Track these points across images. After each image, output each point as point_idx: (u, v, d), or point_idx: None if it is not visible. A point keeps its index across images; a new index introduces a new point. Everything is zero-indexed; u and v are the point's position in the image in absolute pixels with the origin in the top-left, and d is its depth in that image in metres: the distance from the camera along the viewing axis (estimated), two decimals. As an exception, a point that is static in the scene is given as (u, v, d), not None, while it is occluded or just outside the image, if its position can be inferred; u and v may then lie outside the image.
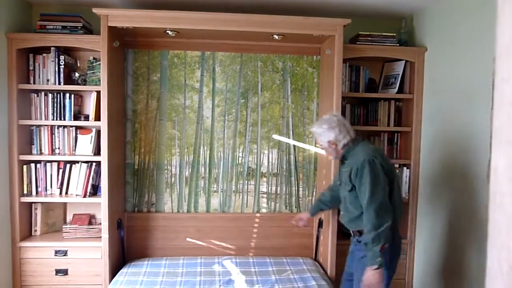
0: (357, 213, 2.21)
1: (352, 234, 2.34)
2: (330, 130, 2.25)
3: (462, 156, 2.59)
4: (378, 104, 3.21)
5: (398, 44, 3.10)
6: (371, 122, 3.23)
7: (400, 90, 3.18)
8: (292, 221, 2.91)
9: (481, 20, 2.41)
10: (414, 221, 3.15)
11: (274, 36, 2.91)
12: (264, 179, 3.29)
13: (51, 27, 2.85)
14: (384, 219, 2.04)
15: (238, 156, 3.26)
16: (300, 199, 3.30)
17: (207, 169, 3.24)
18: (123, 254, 3.07)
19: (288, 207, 3.30)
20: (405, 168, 3.19)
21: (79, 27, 2.85)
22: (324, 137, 2.27)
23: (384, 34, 3.07)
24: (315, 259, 3.18)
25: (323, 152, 2.60)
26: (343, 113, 3.09)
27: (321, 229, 3.09)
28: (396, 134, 3.27)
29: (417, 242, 3.15)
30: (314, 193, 3.29)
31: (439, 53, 2.90)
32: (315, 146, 3.26)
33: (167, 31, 2.85)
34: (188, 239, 3.18)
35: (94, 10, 2.63)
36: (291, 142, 3.28)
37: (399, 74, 3.16)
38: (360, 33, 3.05)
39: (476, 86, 2.43)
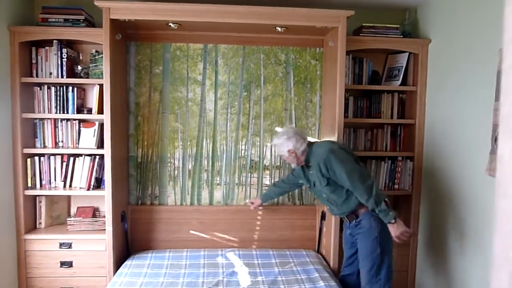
0: (344, 198, 2.44)
1: (348, 220, 2.50)
2: (288, 140, 2.49)
3: (464, 149, 2.58)
4: (381, 96, 3.20)
5: (401, 36, 3.08)
6: (374, 114, 3.22)
7: (404, 82, 3.16)
8: (248, 201, 3.21)
9: (485, 12, 2.38)
10: (416, 214, 3.15)
11: (277, 28, 2.90)
12: (267, 171, 3.29)
13: (53, 20, 2.84)
14: (369, 181, 2.29)
15: (241, 149, 3.26)
16: (303, 191, 3.30)
17: (210, 162, 3.25)
18: (127, 247, 3.09)
19: (291, 200, 3.30)
20: (408, 160, 3.18)
21: (81, 20, 2.85)
22: (283, 147, 2.50)
23: (387, 25, 3.05)
24: (318, 251, 3.19)
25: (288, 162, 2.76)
26: (346, 105, 3.08)
27: (324, 221, 3.10)
28: (399, 126, 3.26)
29: (420, 234, 3.15)
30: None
31: (443, 45, 2.88)
32: (318, 139, 3.25)
33: (169, 24, 2.83)
34: (191, 231, 3.19)
35: (96, 3, 2.62)
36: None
37: (402, 66, 3.14)
38: (363, 24, 3.03)
39: (480, 78, 2.41)
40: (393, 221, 2.26)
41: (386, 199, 2.27)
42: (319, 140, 2.60)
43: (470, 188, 2.53)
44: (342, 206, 2.47)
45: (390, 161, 3.19)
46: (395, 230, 2.28)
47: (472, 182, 2.51)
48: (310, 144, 2.53)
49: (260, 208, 3.20)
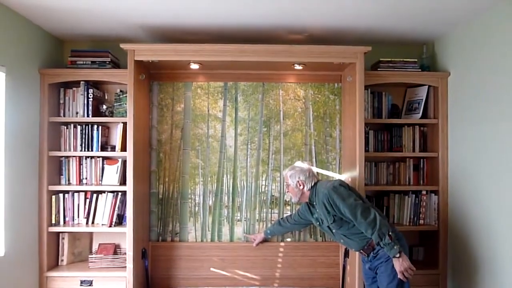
0: (354, 233, 2.44)
1: (366, 254, 2.47)
2: (301, 172, 2.57)
3: (491, 182, 2.50)
4: (402, 129, 3.17)
5: (420, 70, 3.09)
6: (396, 148, 3.19)
7: (424, 115, 3.14)
8: (249, 236, 3.17)
9: (504, 43, 2.38)
10: (444, 251, 3.03)
11: (295, 65, 2.96)
12: (288, 207, 3.25)
13: (81, 62, 2.98)
14: (371, 215, 2.29)
15: (261, 184, 3.25)
16: (325, 227, 3.23)
17: (231, 198, 3.24)
18: (148, 285, 3.05)
19: (313, 236, 3.23)
20: (433, 194, 3.10)
21: (107, 62, 2.98)
22: (294, 178, 2.57)
23: (405, 60, 3.07)
24: (342, 290, 3.08)
25: (289, 195, 2.83)
26: (366, 139, 3.06)
27: (348, 258, 3.01)
28: (422, 160, 3.20)
29: (449, 273, 3.01)
30: (339, 221, 3.22)
31: (463, 77, 2.87)
32: (339, 173, 3.22)
33: (191, 63, 2.93)
34: (212, 269, 3.15)
35: (122, 46, 2.75)
36: (315, 169, 3.25)
37: (422, 99, 3.13)
38: (381, 59, 3.06)
39: (504, 109, 2.37)
40: (397, 255, 2.23)
41: (390, 232, 2.26)
42: (321, 180, 2.67)
43: (499, 223, 2.43)
44: (355, 240, 2.46)
45: (414, 195, 3.12)
46: (399, 265, 2.24)
47: (502, 217, 2.41)
48: (315, 184, 2.58)
49: (281, 244, 3.14)
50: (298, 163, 2.69)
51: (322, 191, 2.45)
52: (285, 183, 2.74)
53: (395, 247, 2.23)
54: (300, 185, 2.55)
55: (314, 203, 2.55)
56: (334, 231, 2.53)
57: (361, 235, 2.41)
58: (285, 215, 3.16)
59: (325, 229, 2.61)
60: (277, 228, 3.07)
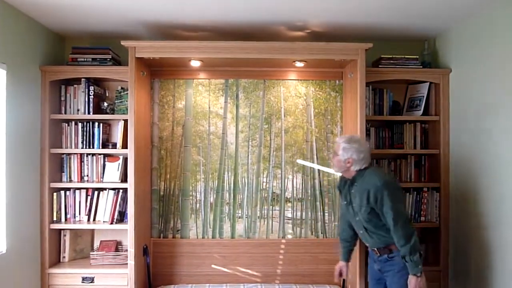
0: (380, 230, 2.31)
1: (379, 254, 2.37)
2: (356, 151, 2.31)
3: (493, 180, 2.50)
4: (403, 126, 3.17)
5: (421, 66, 3.08)
6: (397, 145, 3.18)
7: (426, 112, 3.13)
8: (336, 279, 2.69)
9: (505, 39, 2.37)
10: (446, 248, 3.03)
11: (296, 62, 2.95)
12: (289, 204, 3.26)
13: (82, 59, 2.98)
14: (411, 230, 2.20)
15: (263, 182, 3.26)
16: (326, 224, 3.24)
17: (232, 195, 3.24)
18: (149, 281, 3.06)
19: (314, 233, 3.24)
20: (434, 191, 3.10)
21: (108, 59, 2.98)
22: (346, 153, 2.33)
23: (406, 56, 3.06)
24: (343, 286, 3.08)
25: (331, 163, 2.58)
26: (368, 136, 3.06)
27: (349, 255, 3.01)
28: (423, 156, 3.20)
29: (450, 270, 3.01)
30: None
31: (465, 74, 2.86)
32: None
33: (192, 60, 2.93)
34: (213, 265, 3.15)
35: (123, 43, 2.74)
36: (316, 166, 3.26)
37: (423, 96, 3.12)
38: (382, 56, 3.05)
39: (505, 105, 2.37)
40: (419, 274, 2.19)
41: (421, 251, 2.21)
42: (375, 167, 2.53)
43: (501, 220, 2.43)
44: (373, 238, 2.35)
45: (415, 192, 3.12)
46: (416, 284, 2.19)
47: (503, 214, 2.41)
48: (365, 168, 2.37)
49: (283, 241, 3.15)
50: (357, 138, 2.44)
51: (374, 180, 2.27)
52: (333, 150, 2.49)
53: (419, 266, 2.18)
54: (348, 163, 2.33)
55: (355, 183, 2.36)
56: (358, 218, 2.37)
57: (383, 235, 2.31)
58: (340, 240, 2.65)
59: (350, 211, 2.43)
60: (348, 246, 2.63)
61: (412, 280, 2.20)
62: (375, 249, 2.39)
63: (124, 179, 3.04)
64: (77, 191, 3.07)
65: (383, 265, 2.37)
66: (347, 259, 2.63)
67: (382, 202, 2.22)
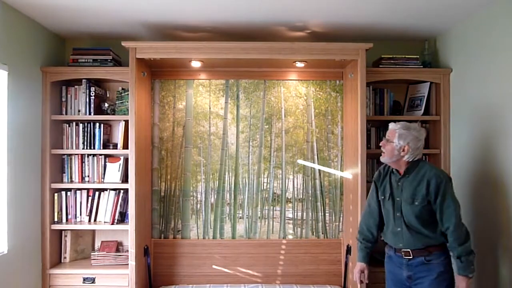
0: (427, 231, 2.14)
1: (412, 256, 2.15)
2: (415, 140, 2.17)
3: (493, 180, 2.49)
4: (404, 126, 3.16)
5: (422, 66, 3.08)
6: (398, 145, 3.18)
7: (426, 112, 3.13)
8: (359, 283, 2.45)
9: (505, 39, 2.37)
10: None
11: (296, 62, 2.95)
12: (290, 204, 3.26)
13: (83, 60, 2.99)
14: (464, 226, 2.11)
15: (263, 182, 3.26)
16: (327, 224, 3.24)
17: (232, 195, 3.24)
18: (150, 282, 3.06)
19: (314, 233, 3.24)
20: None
21: (109, 60, 2.98)
22: (403, 140, 2.16)
23: (407, 56, 3.06)
24: (344, 287, 3.08)
25: (382, 149, 2.26)
26: (368, 136, 3.05)
27: (350, 255, 3.01)
28: (424, 156, 3.19)
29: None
30: (341, 218, 3.22)
31: (465, 73, 2.86)
32: (340, 170, 3.22)
33: (192, 61, 2.94)
34: (214, 266, 3.15)
35: (123, 43, 2.75)
36: (316, 166, 3.25)
37: (424, 96, 3.12)
38: (382, 56, 3.05)
39: (506, 105, 2.37)
40: (471, 275, 2.06)
41: (474, 252, 2.11)
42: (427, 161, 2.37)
43: (502, 219, 2.42)
44: (414, 237, 2.14)
45: (416, 193, 3.11)
46: (468, 286, 2.07)
47: (504, 213, 2.40)
48: (418, 160, 2.22)
49: (283, 241, 3.16)
50: (415, 125, 2.24)
51: (435, 171, 2.15)
52: (385, 137, 2.27)
53: (472, 266, 2.06)
54: (403, 151, 2.15)
55: (406, 175, 2.19)
56: (399, 214, 2.18)
57: (426, 235, 2.13)
58: (361, 240, 2.42)
59: (388, 206, 2.24)
60: (370, 247, 2.41)
61: (463, 283, 2.07)
62: (409, 251, 2.16)
63: (125, 179, 3.04)
64: (78, 192, 3.08)
65: (416, 270, 2.15)
66: (368, 261, 2.40)
67: (444, 196, 2.09)
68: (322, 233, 3.24)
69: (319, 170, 3.25)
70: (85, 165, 3.09)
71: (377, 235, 2.39)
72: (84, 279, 2.89)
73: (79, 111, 3.04)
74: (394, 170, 2.28)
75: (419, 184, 2.14)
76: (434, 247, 2.14)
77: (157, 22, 2.86)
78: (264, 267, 3.16)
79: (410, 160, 2.18)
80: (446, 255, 2.15)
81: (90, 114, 3.02)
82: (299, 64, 2.99)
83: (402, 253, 2.19)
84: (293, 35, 3.12)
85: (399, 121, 3.11)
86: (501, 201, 2.43)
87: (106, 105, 3.10)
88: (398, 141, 2.16)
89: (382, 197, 2.30)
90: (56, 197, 3.00)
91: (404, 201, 2.18)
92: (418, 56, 3.09)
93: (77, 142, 3.05)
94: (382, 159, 2.27)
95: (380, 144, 2.28)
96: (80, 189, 3.08)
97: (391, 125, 2.25)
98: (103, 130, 3.07)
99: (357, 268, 2.40)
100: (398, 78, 3.04)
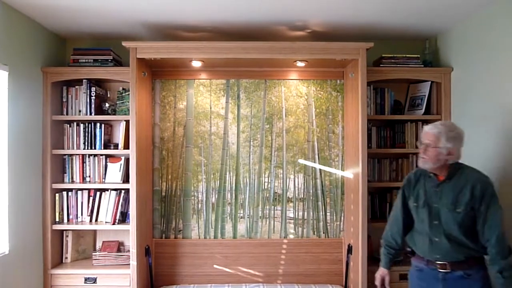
0: (469, 241, 1.95)
1: (450, 270, 1.97)
2: (461, 141, 2.00)
3: (495, 179, 2.49)
4: (404, 126, 3.16)
5: (422, 65, 3.08)
6: (398, 144, 3.18)
7: (427, 111, 3.13)
8: (379, 285, 2.28)
9: (507, 38, 2.37)
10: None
11: (297, 62, 2.95)
12: (291, 204, 3.26)
13: (84, 60, 2.99)
14: (506, 238, 1.92)
15: (264, 182, 3.26)
16: (328, 224, 3.24)
17: (233, 195, 3.24)
18: (151, 282, 3.07)
19: (316, 233, 3.24)
20: (436, 190, 3.08)
21: (110, 60, 2.98)
22: (452, 142, 1.97)
23: (407, 55, 3.06)
24: (345, 286, 3.08)
25: (422, 155, 2.05)
26: (369, 135, 3.05)
27: (351, 255, 3.01)
28: (425, 156, 3.19)
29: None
30: (342, 217, 3.22)
31: (466, 72, 2.86)
32: (341, 170, 3.22)
33: (193, 61, 2.93)
34: (215, 266, 3.16)
35: (124, 43, 2.75)
36: (317, 166, 3.25)
37: (425, 95, 3.12)
38: (383, 55, 3.05)
39: (507, 104, 2.36)
40: None
41: None
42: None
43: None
44: (459, 248, 1.96)
45: (417, 192, 3.11)
46: None
47: (504, 212, 2.40)
48: (459, 163, 2.05)
49: (284, 241, 3.16)
50: (455, 124, 2.05)
51: (478, 174, 1.99)
52: (425, 140, 2.03)
53: None
54: (449, 155, 1.96)
55: (447, 180, 2.01)
56: (438, 222, 2.00)
57: (468, 246, 1.96)
58: (385, 245, 2.29)
59: (423, 214, 2.05)
60: (393, 253, 2.26)
61: None
62: (446, 263, 1.98)
63: (126, 179, 3.04)
64: (79, 192, 3.08)
65: (453, 286, 1.98)
66: (390, 267, 2.26)
67: (489, 203, 1.91)
68: (323, 233, 3.24)
69: (320, 169, 3.25)
70: (86, 165, 3.09)
71: (401, 243, 2.22)
72: (86, 279, 2.90)
73: (79, 111, 3.04)
74: (430, 174, 2.07)
75: (462, 189, 1.96)
76: (475, 260, 1.96)
77: (157, 22, 2.86)
78: (265, 266, 3.17)
79: (455, 163, 2.01)
80: (485, 270, 1.96)
81: (91, 114, 3.02)
82: (300, 64, 2.99)
83: (437, 265, 2.00)
84: (294, 35, 3.12)
85: (399, 120, 3.16)
86: (502, 201, 2.43)
87: (107, 105, 3.10)
88: (445, 144, 1.96)
89: (415, 205, 2.11)
90: (57, 197, 3.00)
91: (444, 208, 1.99)
92: (418, 55, 3.09)
93: (78, 142, 3.05)
94: (424, 165, 2.04)
95: (420, 151, 2.06)
96: (81, 189, 3.08)
97: (429, 129, 2.03)
98: (104, 130, 3.07)
99: (378, 272, 2.27)
100: (399, 77, 3.04)
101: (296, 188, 3.26)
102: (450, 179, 2.01)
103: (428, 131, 2.02)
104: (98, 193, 3.07)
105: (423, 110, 3.10)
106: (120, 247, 3.14)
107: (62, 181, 3.08)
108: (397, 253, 2.27)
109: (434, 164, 2.00)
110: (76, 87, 3.04)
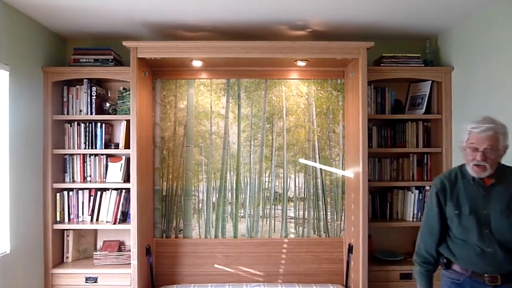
0: None
1: (498, 282, 1.77)
2: (508, 135, 1.80)
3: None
4: (405, 125, 3.16)
5: (423, 65, 3.07)
6: (399, 143, 3.18)
7: (428, 111, 3.12)
8: None
9: (508, 37, 2.36)
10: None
11: (297, 61, 2.95)
12: (291, 203, 3.26)
13: (84, 60, 2.99)
14: None
15: (265, 181, 3.26)
16: (328, 223, 3.24)
17: (234, 194, 3.25)
18: (152, 281, 3.07)
19: (316, 232, 3.24)
20: (436, 190, 3.08)
21: (110, 60, 2.98)
22: (506, 139, 1.78)
23: (408, 55, 3.05)
24: (346, 285, 3.08)
25: (483, 163, 1.78)
26: (370, 135, 3.05)
27: (351, 254, 3.01)
28: (425, 155, 3.19)
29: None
30: (343, 217, 3.22)
31: (467, 72, 2.85)
32: (342, 169, 3.22)
33: (193, 60, 2.94)
34: (216, 265, 3.16)
35: (124, 43, 2.75)
36: (318, 165, 3.25)
37: (426, 94, 3.11)
38: (383, 55, 3.04)
39: (508, 103, 2.36)
40: None
41: None
42: None
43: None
44: (509, 257, 1.77)
45: (417, 191, 3.11)
46: None
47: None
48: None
49: (285, 240, 3.16)
50: (495, 118, 1.82)
51: None
52: (482, 146, 1.77)
53: None
54: (503, 154, 1.78)
55: (494, 182, 1.82)
56: (487, 231, 1.79)
57: None
58: (420, 263, 2.01)
59: (469, 222, 1.82)
60: (429, 277, 2.00)
61: None
62: (498, 276, 1.78)
63: (126, 179, 3.05)
64: (80, 192, 3.08)
65: None
66: (431, 287, 2.00)
67: None
68: (324, 232, 3.24)
69: (321, 169, 3.25)
70: (86, 165, 3.10)
71: (437, 256, 1.97)
72: (87, 279, 2.90)
73: (80, 111, 3.04)
74: (476, 178, 1.84)
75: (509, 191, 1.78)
76: None
77: (158, 21, 2.86)
78: (266, 266, 3.17)
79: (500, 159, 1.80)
80: None
81: (91, 114, 3.02)
82: (300, 63, 2.99)
83: (486, 278, 1.79)
84: (294, 34, 3.12)
85: (400, 120, 3.15)
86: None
87: (108, 105, 3.10)
88: (504, 143, 1.76)
89: (456, 212, 1.86)
90: (58, 197, 3.01)
91: (496, 214, 1.78)
92: (419, 55, 3.09)
93: (78, 142, 3.05)
94: (482, 174, 1.80)
95: (471, 159, 1.82)
96: (82, 189, 3.08)
97: (482, 131, 1.77)
98: (105, 130, 3.07)
99: None
100: (400, 76, 3.03)
101: (297, 188, 3.26)
102: (499, 181, 1.81)
103: (482, 135, 1.76)
104: (99, 193, 3.08)
105: (423, 110, 3.09)
106: (121, 246, 3.14)
107: (63, 181, 3.08)
108: (435, 268, 1.99)
109: (492, 170, 1.78)
110: (77, 86, 3.05)
